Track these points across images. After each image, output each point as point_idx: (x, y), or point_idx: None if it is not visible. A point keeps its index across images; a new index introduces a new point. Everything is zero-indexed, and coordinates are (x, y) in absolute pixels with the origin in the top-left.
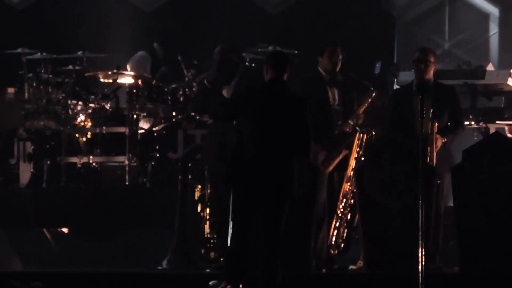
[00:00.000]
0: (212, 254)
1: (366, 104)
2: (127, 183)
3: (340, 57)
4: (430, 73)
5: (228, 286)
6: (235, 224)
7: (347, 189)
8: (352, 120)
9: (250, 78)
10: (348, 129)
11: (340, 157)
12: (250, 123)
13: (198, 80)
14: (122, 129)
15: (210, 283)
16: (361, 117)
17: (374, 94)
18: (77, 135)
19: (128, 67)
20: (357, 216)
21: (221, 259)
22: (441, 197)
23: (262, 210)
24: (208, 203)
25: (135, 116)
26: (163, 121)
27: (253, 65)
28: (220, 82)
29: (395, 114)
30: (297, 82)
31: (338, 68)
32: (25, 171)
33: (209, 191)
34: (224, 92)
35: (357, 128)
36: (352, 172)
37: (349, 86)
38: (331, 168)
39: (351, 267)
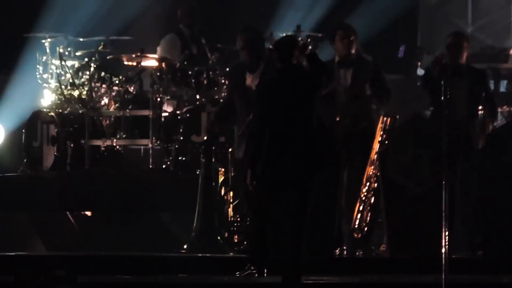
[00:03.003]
0: (235, 238)
1: None
2: (150, 166)
3: (352, 38)
4: (464, 58)
5: (252, 268)
6: (257, 208)
7: (371, 173)
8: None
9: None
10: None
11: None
12: (271, 117)
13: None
14: (145, 112)
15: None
16: None
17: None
18: (100, 118)
19: (158, 50)
20: (381, 200)
21: (245, 243)
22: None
23: (287, 195)
24: (232, 186)
25: (158, 99)
26: (186, 104)
27: None
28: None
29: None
30: None
31: (352, 50)
32: (49, 154)
33: (232, 174)
34: (249, 79)
35: (381, 111)
36: (375, 156)
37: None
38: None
39: (375, 251)
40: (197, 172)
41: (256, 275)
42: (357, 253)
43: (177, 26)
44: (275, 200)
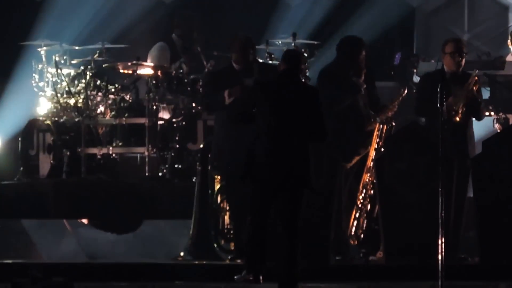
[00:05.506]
0: (231, 245)
1: (397, 102)
2: (146, 174)
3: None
4: (463, 64)
5: (249, 276)
6: (252, 216)
7: (367, 180)
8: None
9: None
10: (375, 126)
11: (365, 152)
12: (263, 117)
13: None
14: (141, 120)
15: (235, 277)
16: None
17: (405, 92)
18: (96, 126)
19: (148, 58)
20: (377, 207)
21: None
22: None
23: (280, 202)
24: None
25: (154, 107)
26: (182, 112)
27: (270, 59)
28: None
29: (426, 100)
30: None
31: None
32: (45, 162)
33: None
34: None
35: (377, 118)
36: (372, 163)
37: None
38: (354, 162)
39: (371, 258)
40: (193, 180)
41: (253, 281)
42: (353, 260)
43: (170, 35)
44: (269, 207)
